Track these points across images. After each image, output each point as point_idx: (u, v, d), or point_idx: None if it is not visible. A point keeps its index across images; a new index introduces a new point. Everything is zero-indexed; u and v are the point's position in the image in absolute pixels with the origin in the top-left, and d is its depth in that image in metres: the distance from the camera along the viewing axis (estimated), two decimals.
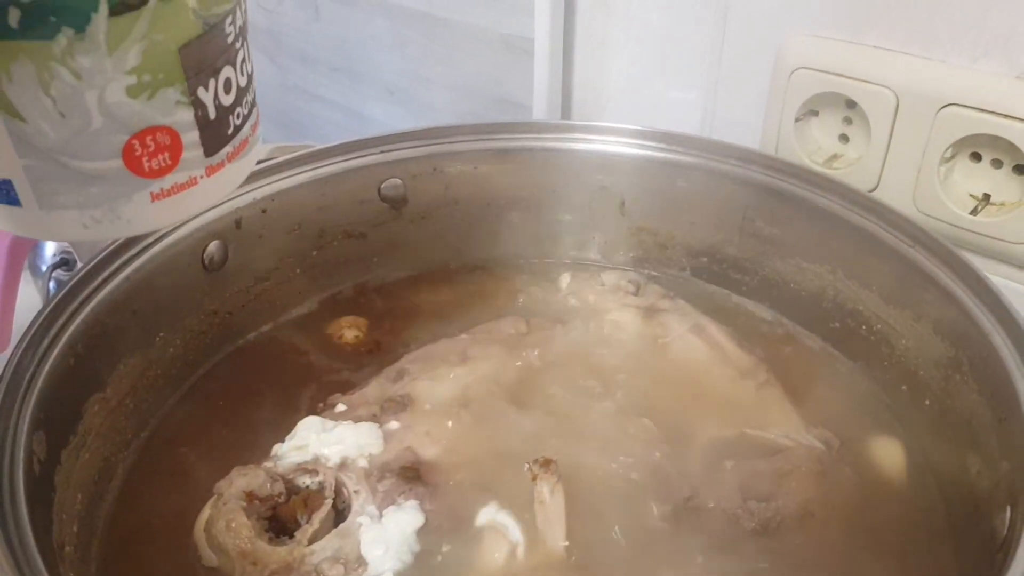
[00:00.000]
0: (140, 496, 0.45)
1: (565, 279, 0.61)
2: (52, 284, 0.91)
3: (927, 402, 0.48)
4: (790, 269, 0.56)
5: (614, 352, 0.55)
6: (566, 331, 0.57)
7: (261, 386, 0.53)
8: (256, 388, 0.53)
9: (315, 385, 0.53)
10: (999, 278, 0.45)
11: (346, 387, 0.52)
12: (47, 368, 0.39)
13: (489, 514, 0.44)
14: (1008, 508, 0.35)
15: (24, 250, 0.70)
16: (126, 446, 0.47)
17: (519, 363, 0.55)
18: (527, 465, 0.45)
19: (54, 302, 0.42)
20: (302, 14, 0.96)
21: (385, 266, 0.62)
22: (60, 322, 0.42)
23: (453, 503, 0.45)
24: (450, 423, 0.49)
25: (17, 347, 0.39)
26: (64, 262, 0.90)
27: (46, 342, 0.40)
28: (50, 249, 0.91)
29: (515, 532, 0.43)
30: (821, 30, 0.57)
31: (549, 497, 0.44)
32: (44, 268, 0.91)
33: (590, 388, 0.53)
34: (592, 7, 0.70)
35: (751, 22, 0.61)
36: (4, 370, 0.37)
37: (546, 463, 0.45)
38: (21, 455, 0.34)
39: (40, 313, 0.41)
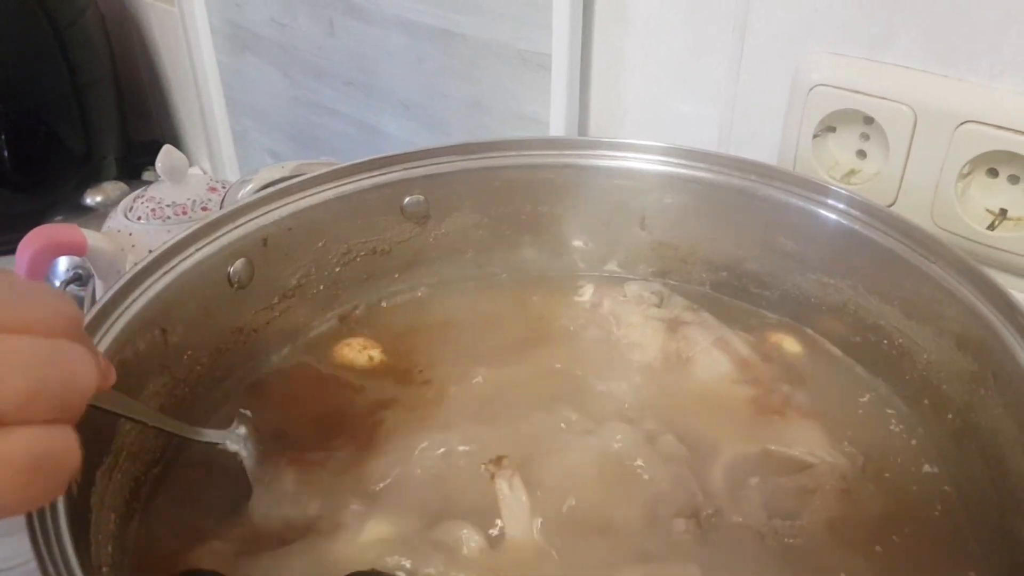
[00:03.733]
0: (166, 513, 0.46)
1: (588, 290, 0.62)
2: None
3: (950, 416, 0.48)
4: (811, 284, 0.56)
5: (637, 366, 0.55)
6: (588, 345, 0.57)
7: (286, 404, 0.53)
8: (281, 406, 0.53)
9: (342, 402, 0.54)
10: (1017, 292, 0.46)
11: (372, 404, 0.52)
12: None
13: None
14: None
15: (46, 263, 0.71)
16: (155, 464, 0.47)
17: (539, 377, 0.55)
18: (482, 466, 0.46)
19: (86, 321, 0.43)
20: (317, 29, 0.97)
21: (407, 282, 0.62)
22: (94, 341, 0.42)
23: None
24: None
25: None
26: (77, 277, 0.91)
27: None
28: (63, 264, 0.92)
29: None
30: (840, 48, 0.58)
31: (509, 491, 0.45)
32: (58, 283, 0.92)
33: (612, 402, 0.54)
34: (610, 23, 0.71)
35: (770, 39, 0.61)
36: None
37: (498, 460, 0.46)
38: None
39: None
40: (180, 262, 0.49)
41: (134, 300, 0.46)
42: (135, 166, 1.25)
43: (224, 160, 1.20)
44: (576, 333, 0.58)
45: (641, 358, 0.56)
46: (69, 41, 1.12)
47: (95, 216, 0.99)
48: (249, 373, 0.55)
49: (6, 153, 1.07)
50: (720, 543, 0.44)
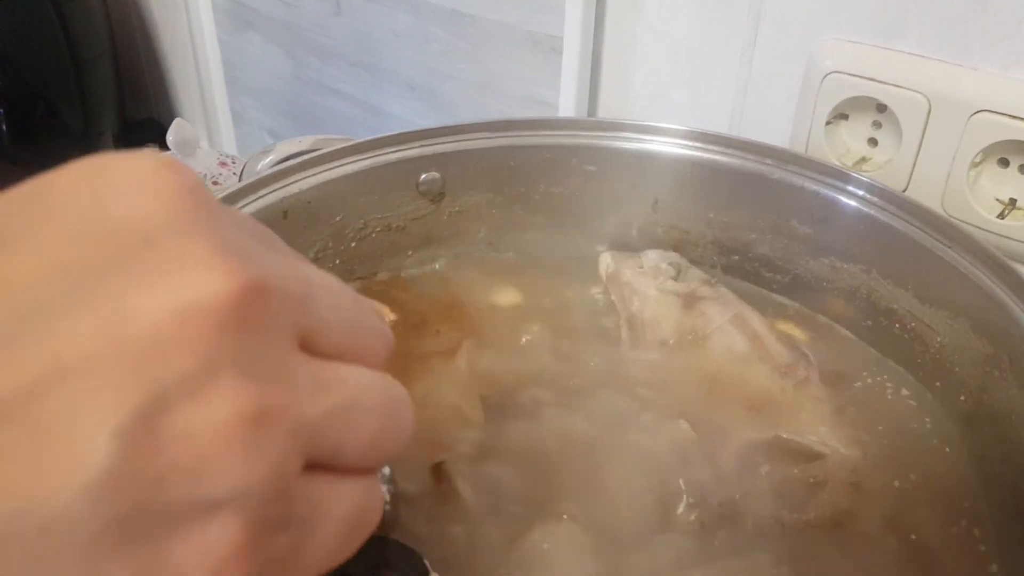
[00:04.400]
0: None
1: (605, 259, 0.61)
2: None
3: (962, 398, 0.49)
4: (823, 268, 0.57)
5: (652, 344, 0.56)
6: (602, 320, 0.57)
7: None
8: None
9: None
10: None
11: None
12: None
13: None
14: None
15: None
16: None
17: (545, 354, 0.55)
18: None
19: None
20: (322, 8, 0.96)
21: (419, 258, 0.63)
22: None
23: None
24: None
25: None
26: None
27: None
28: None
29: None
30: (855, 35, 0.59)
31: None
32: None
33: (623, 381, 0.54)
34: (622, 6, 0.71)
35: (784, 26, 0.62)
36: None
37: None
38: None
39: None
40: None
41: None
42: (132, 143, 1.24)
43: (223, 139, 1.19)
44: (590, 307, 0.59)
45: (656, 335, 0.56)
46: (68, 16, 1.11)
47: None
48: None
49: (4, 127, 1.06)
50: (727, 532, 0.44)
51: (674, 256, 0.61)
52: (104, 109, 1.20)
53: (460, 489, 0.45)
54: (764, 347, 0.54)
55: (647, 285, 0.58)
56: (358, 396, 0.21)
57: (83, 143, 1.18)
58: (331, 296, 0.22)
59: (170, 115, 1.31)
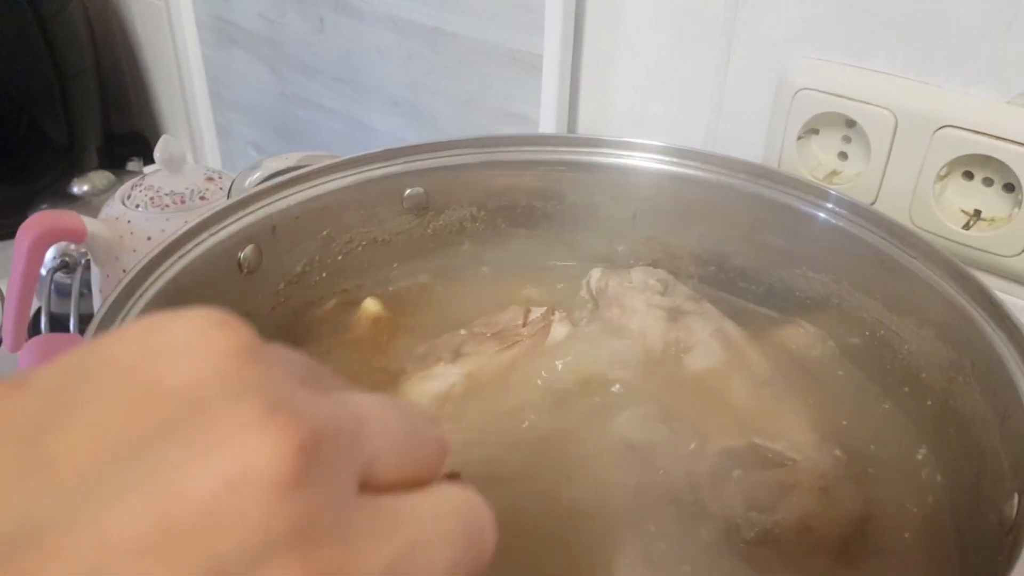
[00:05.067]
0: None
1: (595, 274, 0.63)
2: (53, 287, 0.92)
3: (929, 403, 0.51)
4: (796, 278, 0.59)
5: (635, 354, 0.57)
6: (587, 331, 0.59)
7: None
8: None
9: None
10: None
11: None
12: None
13: None
14: (1016, 495, 0.38)
15: (42, 252, 0.71)
16: None
17: (519, 360, 0.57)
18: None
19: (107, 306, 0.44)
20: (306, 25, 0.98)
21: (405, 271, 0.64)
22: (115, 325, 0.43)
23: None
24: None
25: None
26: (64, 265, 0.91)
27: None
28: (50, 253, 0.92)
29: None
30: (825, 54, 0.61)
31: None
32: (44, 272, 0.92)
33: (606, 387, 0.55)
34: (600, 25, 0.73)
35: (757, 44, 0.64)
36: None
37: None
38: None
39: (95, 317, 0.43)
40: (195, 247, 0.50)
41: (151, 284, 0.47)
42: (116, 157, 1.25)
43: (207, 154, 1.20)
44: (577, 318, 0.60)
45: (640, 346, 0.57)
46: (52, 31, 1.12)
47: (80, 205, 1.00)
48: None
49: None
50: (698, 533, 0.46)
51: (662, 273, 0.63)
52: (88, 123, 1.20)
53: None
54: (743, 359, 0.55)
55: (634, 299, 0.60)
56: (425, 531, 0.21)
57: (67, 157, 1.18)
58: (382, 421, 0.21)
59: (154, 129, 1.32)
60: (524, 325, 0.60)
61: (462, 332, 0.59)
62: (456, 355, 0.57)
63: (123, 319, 0.44)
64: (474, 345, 0.58)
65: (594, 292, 0.62)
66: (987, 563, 0.40)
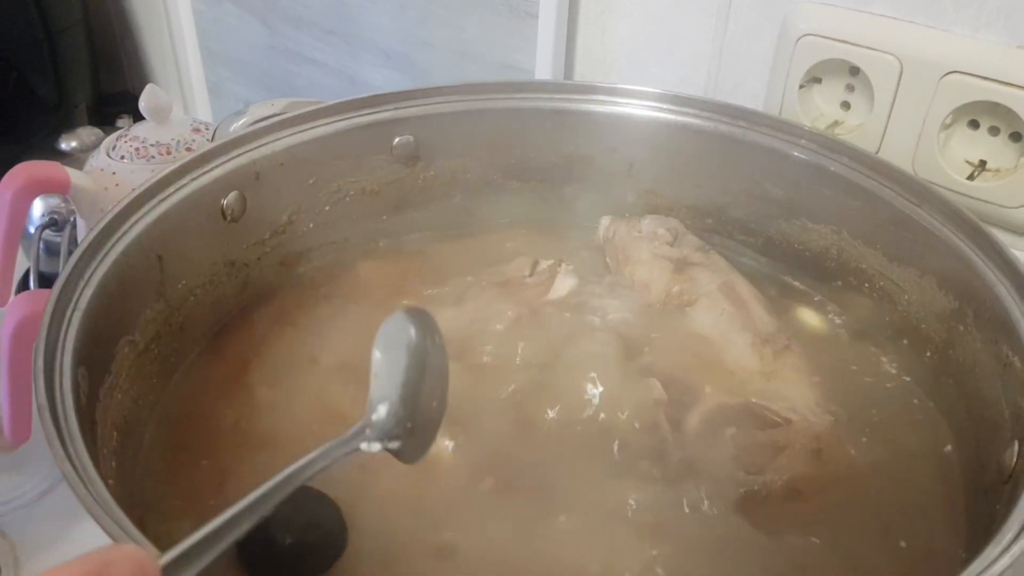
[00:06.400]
0: (169, 443, 0.46)
1: (604, 222, 0.62)
2: (41, 245, 0.91)
3: (928, 354, 0.50)
4: (795, 229, 0.58)
5: (638, 306, 0.56)
6: (589, 282, 0.58)
7: (280, 337, 0.54)
8: (276, 340, 0.54)
9: (329, 336, 0.54)
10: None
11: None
12: (85, 306, 0.40)
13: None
14: (1016, 443, 0.37)
15: (26, 203, 0.70)
16: (152, 391, 0.47)
17: (520, 306, 0.56)
18: None
19: (90, 240, 0.43)
20: None
21: (396, 224, 0.63)
22: (96, 261, 0.42)
23: None
24: None
25: (58, 282, 0.39)
26: (53, 222, 0.90)
27: (83, 282, 0.41)
28: (38, 209, 0.90)
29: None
30: None
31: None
32: (33, 229, 0.90)
33: (595, 339, 0.54)
34: None
35: None
36: (48, 303, 0.38)
37: None
38: (70, 386, 0.35)
39: (77, 251, 0.42)
40: (176, 191, 0.49)
41: (132, 226, 0.46)
42: (106, 115, 1.22)
43: (198, 110, 1.18)
44: (581, 268, 0.59)
45: (644, 297, 0.56)
46: None
47: (70, 161, 0.98)
48: (242, 304, 0.55)
49: None
50: (682, 489, 0.45)
51: (672, 222, 0.61)
52: (78, 81, 1.18)
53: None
54: (748, 314, 0.54)
55: (641, 249, 0.58)
56: None
57: (57, 115, 1.16)
58: None
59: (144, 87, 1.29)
60: (530, 276, 0.58)
61: (468, 279, 0.58)
62: (460, 299, 0.56)
63: (100, 261, 0.43)
64: (478, 291, 0.57)
65: (601, 240, 0.61)
66: (988, 513, 0.39)
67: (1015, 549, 0.30)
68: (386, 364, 0.36)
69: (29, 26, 1.11)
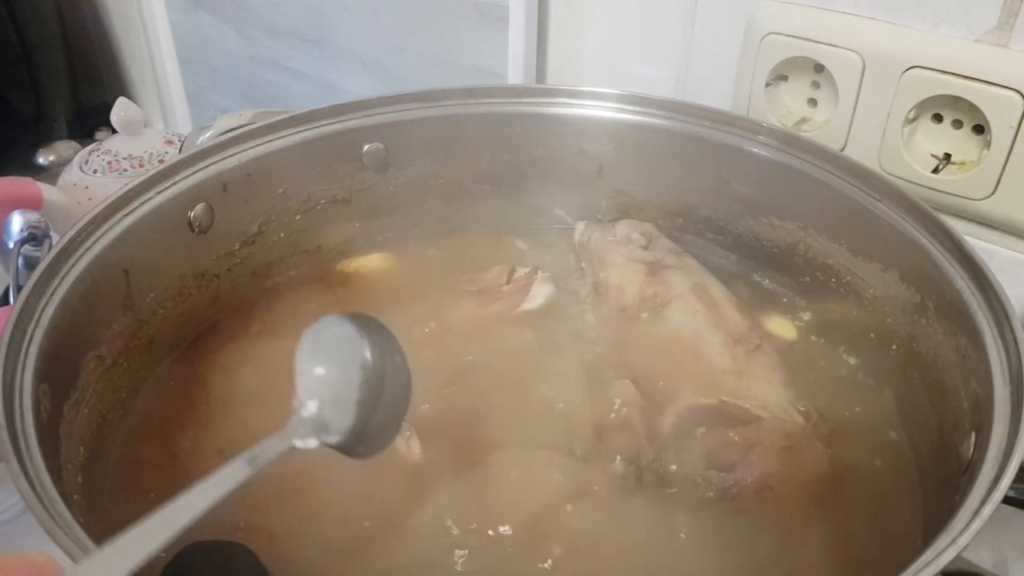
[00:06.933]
0: (139, 458, 0.47)
1: (579, 227, 0.62)
2: (21, 260, 0.91)
3: (894, 347, 0.50)
4: (763, 227, 0.58)
5: (607, 308, 0.56)
6: (560, 285, 0.58)
7: (252, 348, 0.54)
8: (248, 350, 0.54)
9: None
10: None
11: None
12: (47, 323, 0.40)
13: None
14: (973, 434, 0.38)
15: (2, 217, 0.70)
16: (122, 405, 0.47)
17: (495, 315, 0.56)
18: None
19: (51, 257, 0.43)
20: None
21: (368, 230, 0.63)
22: (58, 278, 0.42)
23: None
24: None
25: (18, 300, 0.40)
26: (32, 237, 0.90)
27: (44, 298, 0.41)
28: (17, 224, 0.90)
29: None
30: None
31: (407, 451, 0.46)
32: (12, 244, 0.90)
33: (571, 344, 0.55)
34: None
35: None
36: (8, 321, 0.38)
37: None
38: (30, 403, 0.35)
39: (39, 269, 0.42)
40: (141, 204, 0.49)
41: (96, 241, 0.46)
42: (86, 128, 1.22)
43: (179, 121, 1.19)
44: (557, 273, 0.59)
45: (618, 300, 0.56)
46: (16, 0, 1.10)
47: (48, 176, 0.98)
48: (213, 316, 0.55)
49: None
50: (654, 487, 0.46)
51: (647, 226, 0.61)
52: (56, 94, 1.18)
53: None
54: (720, 315, 0.54)
55: (615, 253, 0.59)
56: None
57: (36, 129, 1.16)
58: None
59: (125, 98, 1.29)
60: (507, 284, 0.59)
61: (445, 288, 0.58)
62: (438, 308, 0.57)
63: (64, 275, 0.43)
64: (455, 299, 0.57)
65: (576, 245, 0.61)
66: (948, 505, 0.39)
67: (961, 541, 0.30)
68: (310, 363, 0.36)
69: (5, 41, 1.11)
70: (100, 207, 0.47)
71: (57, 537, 0.29)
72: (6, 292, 0.85)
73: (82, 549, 0.30)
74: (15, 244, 0.89)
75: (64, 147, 0.97)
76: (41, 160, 0.97)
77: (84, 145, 1.00)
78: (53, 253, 0.43)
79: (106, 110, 1.30)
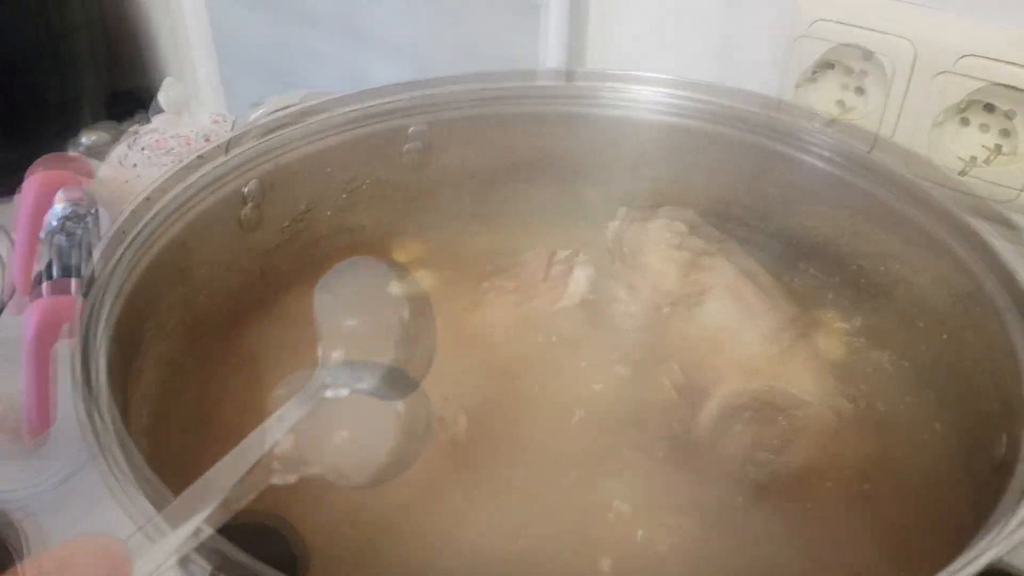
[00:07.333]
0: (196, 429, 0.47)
1: (619, 213, 0.62)
2: (63, 236, 0.91)
3: (923, 348, 0.50)
4: (795, 226, 0.58)
5: (647, 297, 0.56)
6: (601, 280, 0.58)
7: (298, 323, 0.54)
8: (294, 325, 0.54)
9: None
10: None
11: None
12: (116, 289, 0.41)
13: None
14: (1004, 435, 0.38)
15: (52, 193, 0.70)
16: (179, 373, 0.48)
17: (537, 307, 0.56)
18: None
19: (115, 228, 0.44)
20: None
21: (411, 211, 0.63)
22: (123, 247, 0.44)
23: None
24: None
25: (88, 270, 0.41)
26: (75, 214, 0.90)
27: (111, 265, 0.42)
28: (59, 204, 0.91)
29: None
30: None
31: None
32: (55, 221, 0.91)
33: (612, 335, 0.55)
34: None
35: None
36: (80, 291, 0.39)
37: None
38: (104, 365, 0.36)
39: (103, 241, 0.44)
40: (196, 179, 0.50)
41: (156, 213, 0.47)
42: (118, 114, 1.23)
43: (210, 107, 1.19)
44: (588, 264, 0.59)
45: (659, 289, 0.56)
46: None
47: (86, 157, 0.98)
48: (263, 291, 0.55)
49: None
50: (698, 467, 0.46)
51: (689, 213, 0.61)
52: (88, 81, 1.19)
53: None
54: (763, 303, 0.54)
55: (656, 241, 0.59)
56: None
57: (67, 115, 1.17)
58: None
59: (156, 85, 1.30)
60: (546, 276, 0.58)
61: (484, 285, 0.59)
62: (478, 305, 0.57)
63: (125, 250, 0.44)
64: (495, 296, 0.58)
65: (616, 232, 0.61)
66: (981, 502, 0.39)
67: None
68: (332, 313, 0.36)
69: (37, 27, 1.12)
70: (159, 180, 0.47)
71: (124, 505, 0.29)
72: (49, 267, 0.85)
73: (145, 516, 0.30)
74: (59, 220, 0.89)
75: (103, 128, 0.98)
76: (84, 139, 0.97)
77: (121, 128, 1.01)
78: (111, 232, 0.43)
79: (138, 96, 1.31)
